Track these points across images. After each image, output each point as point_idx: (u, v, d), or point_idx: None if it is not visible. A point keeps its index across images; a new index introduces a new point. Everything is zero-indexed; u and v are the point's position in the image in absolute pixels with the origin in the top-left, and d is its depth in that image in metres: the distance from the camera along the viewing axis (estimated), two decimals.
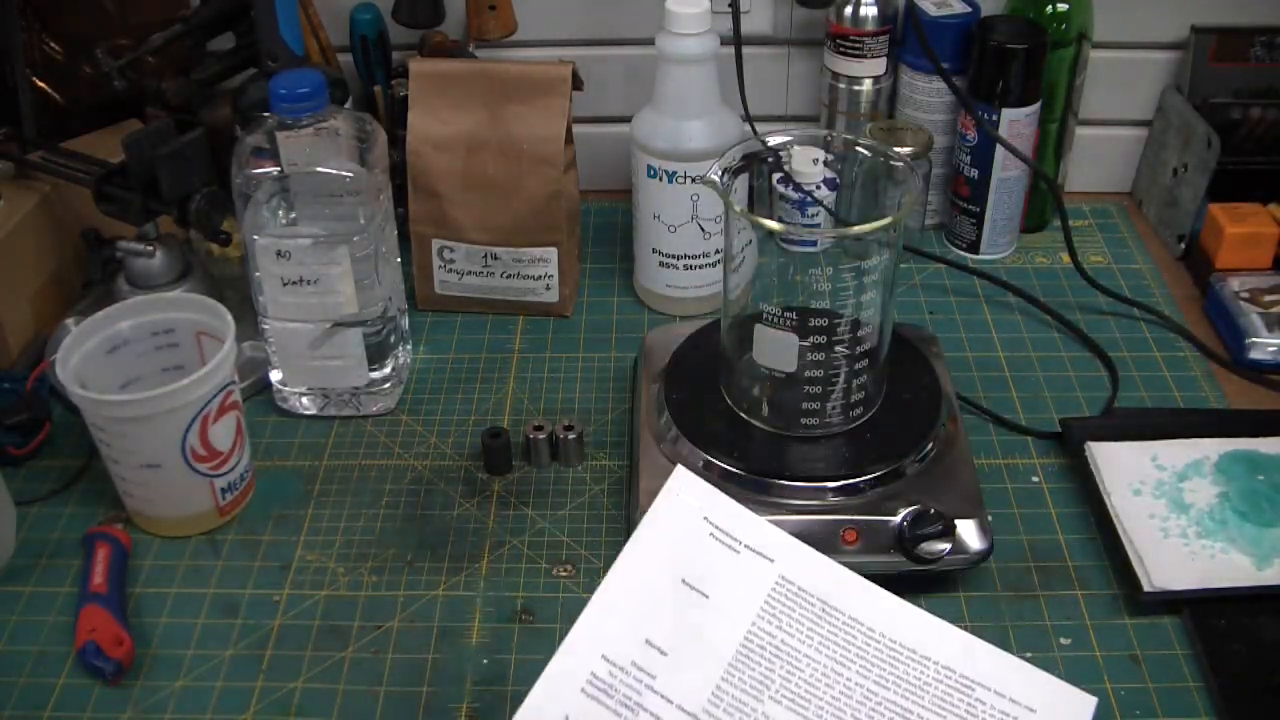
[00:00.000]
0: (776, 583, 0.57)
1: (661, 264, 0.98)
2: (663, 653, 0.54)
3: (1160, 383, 0.92)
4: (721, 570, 0.56)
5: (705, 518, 0.57)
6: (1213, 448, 0.82)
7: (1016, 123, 1.00)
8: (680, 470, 0.58)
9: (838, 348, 0.76)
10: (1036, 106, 1.00)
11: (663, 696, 0.53)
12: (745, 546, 0.57)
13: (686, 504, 0.57)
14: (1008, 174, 1.02)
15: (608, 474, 0.85)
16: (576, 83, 0.96)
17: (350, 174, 0.83)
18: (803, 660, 0.55)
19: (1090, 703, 0.55)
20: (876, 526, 0.74)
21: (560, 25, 1.09)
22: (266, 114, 0.82)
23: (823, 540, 0.70)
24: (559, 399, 0.92)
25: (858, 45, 1.03)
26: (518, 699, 0.69)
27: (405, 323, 0.94)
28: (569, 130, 0.95)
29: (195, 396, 0.75)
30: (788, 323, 0.75)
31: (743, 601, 0.56)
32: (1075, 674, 0.70)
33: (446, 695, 0.70)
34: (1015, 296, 1.01)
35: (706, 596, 0.56)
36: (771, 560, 0.57)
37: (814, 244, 0.78)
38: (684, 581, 0.56)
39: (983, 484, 0.80)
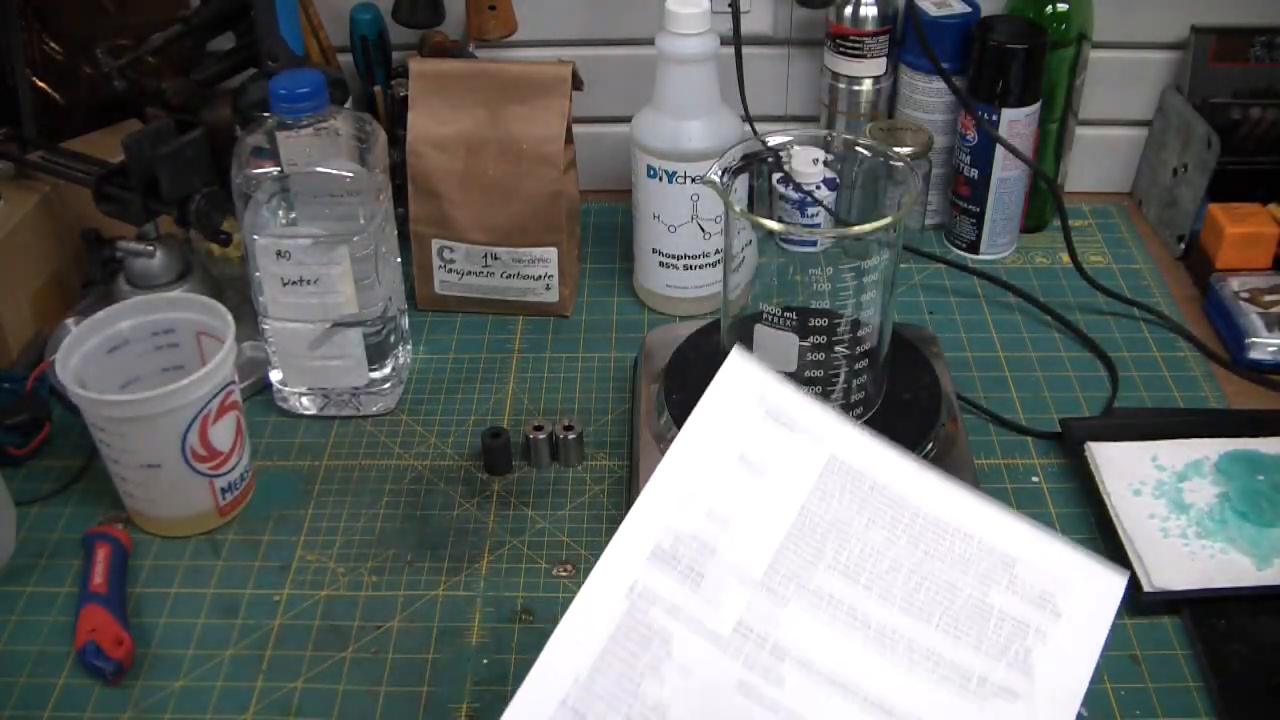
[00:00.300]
0: (829, 461, 0.58)
1: (661, 264, 0.98)
2: (723, 525, 0.56)
3: (1160, 383, 0.92)
4: (776, 449, 0.58)
5: (761, 398, 0.59)
6: (1213, 448, 0.82)
7: (1016, 123, 1.00)
8: (737, 352, 0.60)
9: (838, 348, 0.76)
10: (1036, 106, 1.00)
11: (724, 566, 0.55)
12: (799, 427, 0.59)
13: (743, 385, 0.59)
14: (1008, 174, 1.02)
15: (608, 474, 0.85)
16: (576, 83, 0.96)
17: (350, 174, 0.83)
18: (853, 535, 0.57)
19: (1121, 580, 0.57)
20: None
21: (560, 25, 1.09)
22: (266, 114, 0.82)
23: None
24: (559, 399, 0.92)
25: (858, 45, 1.03)
26: None
27: (405, 323, 0.94)
28: (569, 130, 0.95)
29: (195, 396, 0.75)
30: (788, 323, 0.75)
31: (797, 479, 0.58)
32: None
33: (446, 695, 0.70)
34: (1015, 296, 1.01)
35: (763, 473, 0.57)
36: (824, 440, 0.59)
37: (814, 244, 0.78)
38: (741, 458, 0.58)
39: (983, 484, 0.80)
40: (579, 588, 0.76)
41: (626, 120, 0.96)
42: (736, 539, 0.56)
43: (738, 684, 0.53)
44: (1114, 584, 0.57)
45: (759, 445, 0.58)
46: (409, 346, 0.95)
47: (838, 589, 0.55)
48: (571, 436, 0.84)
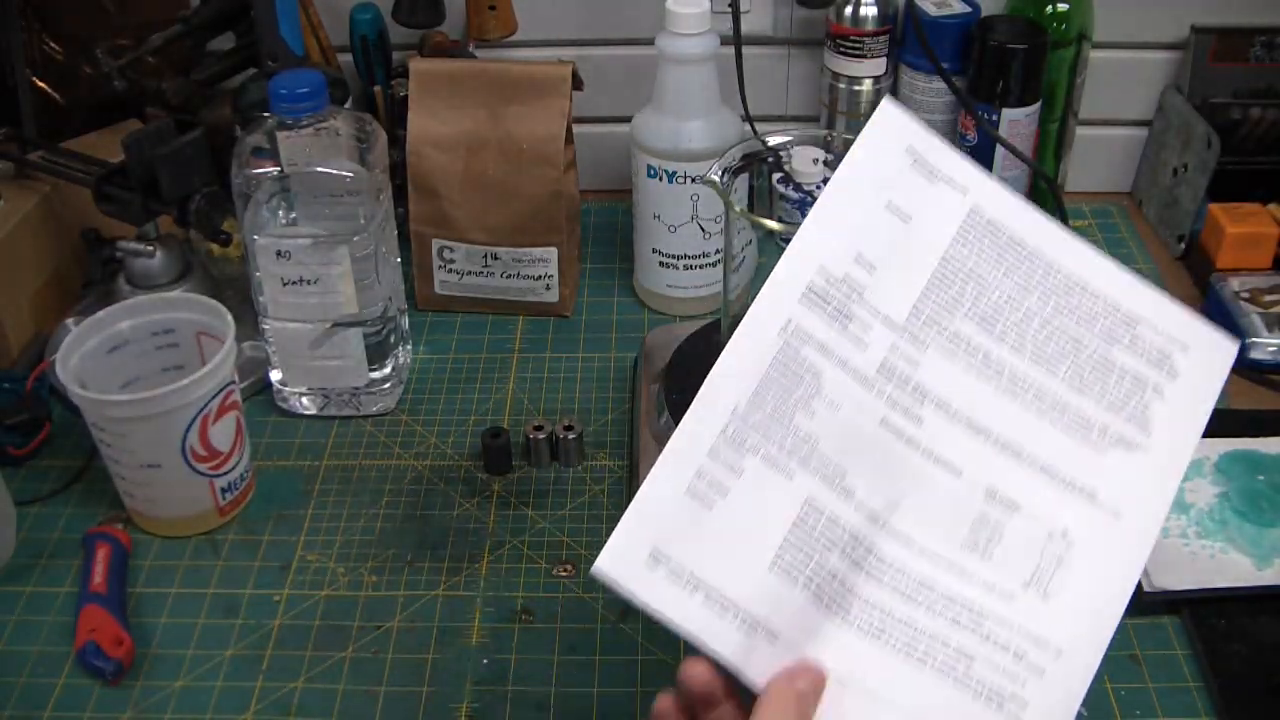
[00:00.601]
0: (970, 212, 0.60)
1: (661, 264, 0.98)
2: (870, 269, 0.58)
3: None
4: (922, 197, 0.60)
5: (910, 147, 0.61)
6: (1213, 448, 0.82)
7: (1016, 123, 1.00)
8: (888, 100, 0.61)
9: None
10: (1036, 106, 1.00)
11: (870, 309, 0.57)
12: (944, 177, 0.60)
13: (892, 133, 0.61)
14: (1008, 174, 1.02)
15: (608, 474, 0.85)
16: (576, 83, 0.96)
17: (350, 174, 0.83)
18: (990, 286, 0.59)
19: (1233, 347, 0.60)
20: None
21: (560, 25, 1.09)
22: (266, 114, 0.82)
23: None
24: (559, 399, 0.92)
25: (858, 45, 1.03)
26: (518, 699, 0.70)
27: (405, 323, 0.94)
28: (569, 130, 0.95)
29: (195, 396, 0.75)
30: None
31: (940, 227, 0.60)
32: None
33: (446, 695, 0.70)
34: None
35: (908, 221, 0.59)
36: (967, 191, 0.60)
37: None
38: (889, 204, 0.59)
39: None
40: (579, 588, 0.76)
41: (626, 120, 0.96)
42: (882, 283, 0.58)
43: (880, 420, 0.56)
44: (1227, 350, 0.59)
45: (905, 193, 0.59)
46: (409, 346, 0.95)
47: (974, 336, 0.58)
48: (571, 436, 0.84)
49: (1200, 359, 0.59)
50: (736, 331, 0.56)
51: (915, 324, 0.58)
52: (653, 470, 0.55)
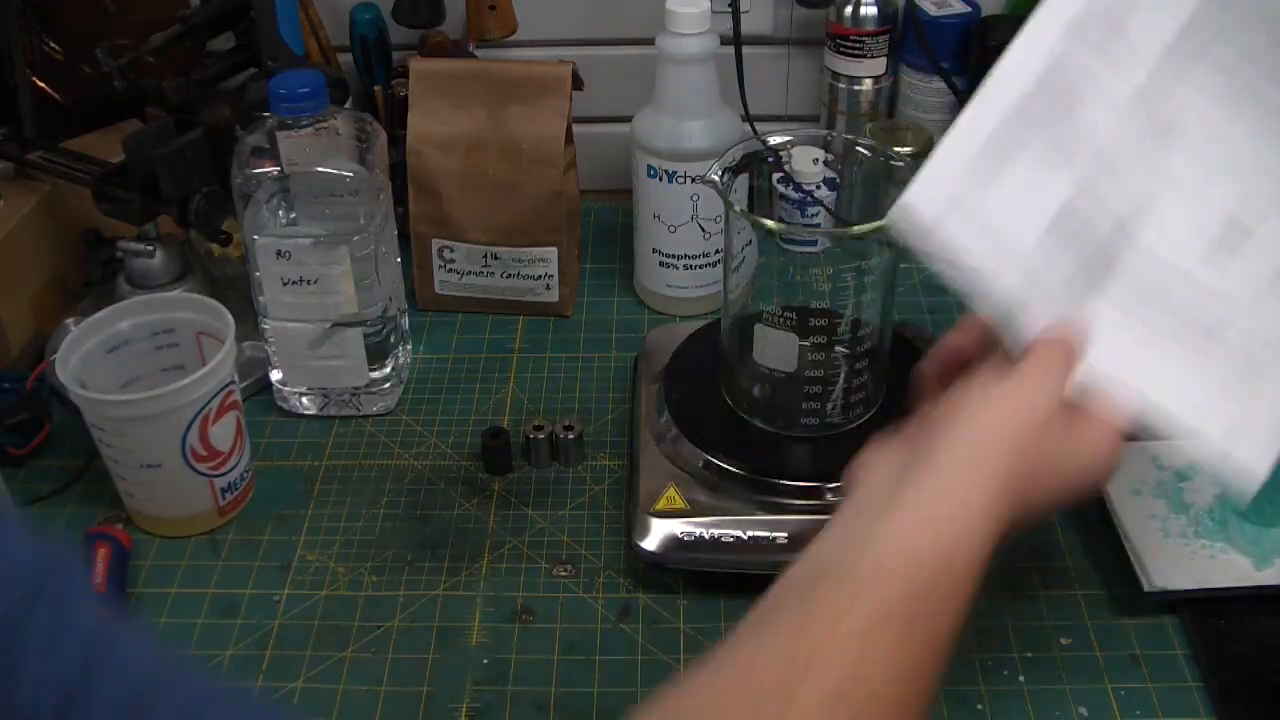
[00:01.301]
0: None
1: (661, 264, 0.98)
2: (1130, 9, 0.59)
3: None
4: None
5: None
6: None
7: None
8: None
9: (838, 347, 0.76)
10: None
11: (1129, 42, 0.59)
12: None
13: None
14: None
15: (608, 474, 0.85)
16: (576, 83, 0.96)
17: (350, 174, 0.83)
18: (1250, 24, 0.60)
19: None
20: None
21: (560, 25, 1.09)
22: (266, 114, 0.83)
23: None
24: (559, 399, 0.92)
25: (858, 45, 1.03)
26: (518, 699, 0.70)
27: (405, 323, 0.94)
28: (569, 130, 0.95)
29: (195, 396, 0.75)
30: (788, 323, 0.75)
31: None
32: (1075, 674, 0.70)
33: (446, 695, 0.70)
34: None
35: None
36: None
37: (814, 244, 0.78)
38: None
39: None
40: (579, 588, 0.76)
41: (626, 120, 0.96)
42: (1141, 21, 0.59)
43: (1137, 136, 0.58)
44: None
45: None
46: (409, 346, 0.95)
47: (1235, 65, 0.59)
48: (571, 436, 0.84)
49: None
50: (1003, 56, 0.58)
51: (1174, 57, 0.59)
52: (951, 130, 0.56)
